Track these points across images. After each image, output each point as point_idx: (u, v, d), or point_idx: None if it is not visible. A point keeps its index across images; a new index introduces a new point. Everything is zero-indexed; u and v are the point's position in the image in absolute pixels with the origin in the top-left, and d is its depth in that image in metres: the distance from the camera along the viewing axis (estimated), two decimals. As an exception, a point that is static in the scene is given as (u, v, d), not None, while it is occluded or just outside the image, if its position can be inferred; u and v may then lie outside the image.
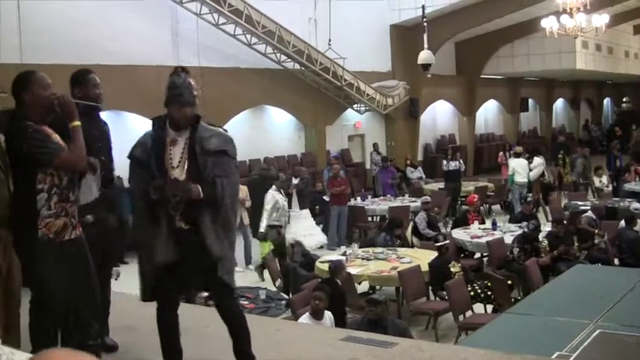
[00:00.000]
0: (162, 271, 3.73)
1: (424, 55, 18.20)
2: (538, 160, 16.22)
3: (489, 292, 8.35)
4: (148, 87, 12.56)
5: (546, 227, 11.10)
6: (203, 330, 4.74)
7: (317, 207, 14.12)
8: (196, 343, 4.29)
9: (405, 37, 20.53)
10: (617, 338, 5.19)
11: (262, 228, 10.88)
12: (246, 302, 7.88)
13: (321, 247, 11.99)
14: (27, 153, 3.54)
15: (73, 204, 3.70)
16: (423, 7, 18.30)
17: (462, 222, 12.12)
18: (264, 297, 8.49)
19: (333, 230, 13.19)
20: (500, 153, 20.74)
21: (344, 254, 9.93)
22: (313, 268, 9.30)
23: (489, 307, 8.42)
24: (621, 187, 16.33)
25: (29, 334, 3.64)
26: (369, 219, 14.25)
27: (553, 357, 4.66)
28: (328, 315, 6.40)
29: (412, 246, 10.94)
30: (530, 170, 15.76)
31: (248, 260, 11.58)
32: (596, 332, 5.17)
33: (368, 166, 20.02)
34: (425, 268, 8.76)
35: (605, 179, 16.94)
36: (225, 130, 3.93)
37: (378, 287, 9.29)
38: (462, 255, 10.82)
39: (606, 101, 38.44)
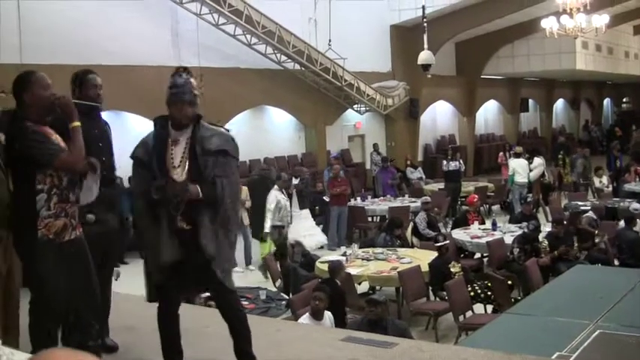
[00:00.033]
0: (166, 271, 3.74)
1: (424, 56, 18.20)
2: (538, 161, 16.21)
3: (489, 293, 8.35)
4: (147, 87, 12.56)
5: (546, 227, 11.10)
6: (203, 330, 4.75)
7: (317, 207, 14.13)
8: (196, 343, 4.29)
9: (405, 38, 20.53)
10: (617, 339, 5.19)
11: (267, 228, 10.86)
12: (247, 302, 7.86)
13: (321, 247, 11.99)
14: (26, 154, 3.54)
15: (73, 204, 3.70)
16: (423, 8, 18.31)
17: (462, 222, 12.12)
18: (265, 297, 8.49)
19: (333, 230, 13.19)
20: (501, 153, 20.75)
21: (344, 254, 9.93)
22: (313, 268, 9.29)
23: (489, 308, 8.42)
24: (621, 187, 16.32)
25: (29, 335, 3.64)
26: (369, 219, 14.24)
27: (553, 357, 4.66)
28: (328, 315, 6.39)
29: (412, 246, 10.93)
30: (531, 170, 15.76)
31: (248, 261, 11.59)
32: (596, 332, 5.16)
33: (368, 166, 20.03)
34: (425, 268, 8.76)
35: (605, 180, 16.94)
36: (228, 130, 3.93)
37: (378, 287, 9.28)
38: (462, 255, 10.82)
39: (606, 102, 38.45)
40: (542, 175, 16.43)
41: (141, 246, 3.90)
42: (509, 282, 8.52)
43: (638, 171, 17.00)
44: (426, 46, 18.19)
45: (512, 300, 8.00)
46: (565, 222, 10.53)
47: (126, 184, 9.59)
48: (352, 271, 8.73)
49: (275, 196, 10.93)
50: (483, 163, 24.93)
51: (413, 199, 14.82)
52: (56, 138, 3.64)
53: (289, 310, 7.37)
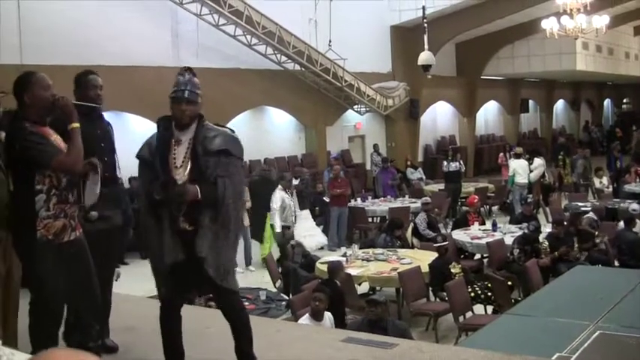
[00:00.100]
0: (168, 272, 3.73)
1: (424, 56, 18.21)
2: (538, 161, 16.20)
3: (489, 293, 8.34)
4: (147, 88, 12.57)
5: (546, 228, 11.10)
6: (204, 331, 4.74)
7: (317, 208, 14.12)
8: (197, 344, 4.29)
9: (405, 38, 20.54)
10: (617, 339, 5.18)
11: (278, 228, 10.86)
12: (247, 303, 7.87)
13: (322, 248, 11.99)
14: (24, 154, 3.54)
15: (72, 205, 3.70)
16: (424, 8, 18.32)
17: (463, 223, 12.12)
18: (265, 298, 8.50)
19: (333, 231, 13.18)
20: (501, 154, 20.76)
21: (344, 255, 9.92)
22: (313, 269, 9.28)
23: (489, 308, 8.42)
24: (622, 188, 16.30)
25: (29, 335, 3.64)
26: (369, 220, 14.24)
27: (553, 358, 4.65)
28: (328, 316, 6.39)
29: (412, 247, 10.93)
30: (531, 171, 15.75)
31: (248, 261, 11.59)
32: (597, 333, 5.15)
33: (368, 167, 20.03)
34: (425, 269, 8.75)
35: (605, 180, 16.92)
36: (232, 131, 3.92)
37: (378, 288, 9.28)
38: (462, 256, 10.82)
39: (606, 102, 38.45)
40: (543, 175, 16.42)
41: (142, 246, 3.89)
42: (510, 283, 8.52)
43: (638, 172, 16.99)
44: (426, 46, 18.20)
45: (513, 301, 8.00)
46: (565, 223, 10.53)
47: (126, 184, 9.59)
48: (352, 271, 8.72)
49: (280, 196, 10.93)
50: (483, 163, 24.92)
51: (413, 200, 14.81)
52: (56, 139, 3.64)
53: (289, 310, 7.37)
